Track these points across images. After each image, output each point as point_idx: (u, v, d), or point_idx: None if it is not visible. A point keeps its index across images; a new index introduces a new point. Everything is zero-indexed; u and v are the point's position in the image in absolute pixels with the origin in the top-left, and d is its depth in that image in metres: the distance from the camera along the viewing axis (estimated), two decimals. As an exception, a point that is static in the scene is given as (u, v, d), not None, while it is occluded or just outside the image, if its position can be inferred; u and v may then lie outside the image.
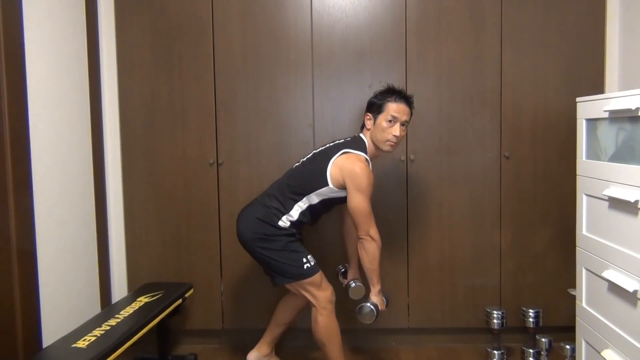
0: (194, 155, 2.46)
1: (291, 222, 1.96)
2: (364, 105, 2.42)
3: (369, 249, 1.91)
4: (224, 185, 2.47)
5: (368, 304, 1.98)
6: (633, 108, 1.58)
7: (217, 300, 2.51)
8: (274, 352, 2.29)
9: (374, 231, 1.90)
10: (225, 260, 2.50)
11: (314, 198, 1.96)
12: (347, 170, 1.88)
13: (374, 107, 1.99)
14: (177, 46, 2.43)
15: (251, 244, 1.95)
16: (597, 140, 1.85)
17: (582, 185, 1.92)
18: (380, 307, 2.00)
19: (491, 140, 2.43)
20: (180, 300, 2.26)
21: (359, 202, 1.87)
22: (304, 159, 2.06)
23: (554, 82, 2.41)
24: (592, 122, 1.88)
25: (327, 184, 1.92)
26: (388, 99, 1.97)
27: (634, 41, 2.29)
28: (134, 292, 2.29)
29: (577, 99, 1.96)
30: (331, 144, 2.03)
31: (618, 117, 1.70)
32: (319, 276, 1.95)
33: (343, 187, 1.91)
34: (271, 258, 1.93)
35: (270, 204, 1.96)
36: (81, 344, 1.71)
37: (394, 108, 1.95)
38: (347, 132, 2.44)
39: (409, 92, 2.43)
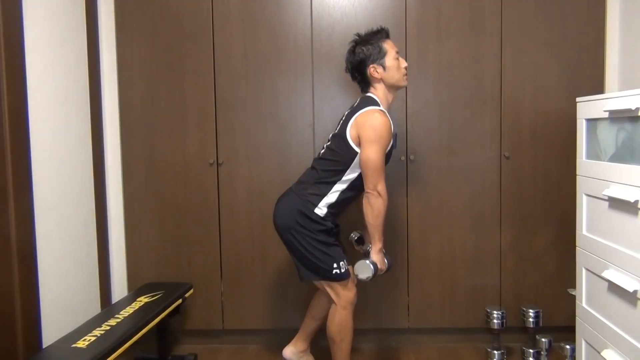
0: (194, 155, 2.47)
1: (329, 205, 1.90)
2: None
3: (375, 204, 1.85)
4: (224, 185, 2.47)
5: (367, 262, 1.90)
6: (633, 108, 1.58)
7: (217, 300, 2.51)
8: (309, 350, 2.26)
9: (382, 187, 1.84)
10: (225, 260, 2.50)
11: (352, 173, 1.90)
12: (361, 123, 1.84)
13: (373, 55, 1.90)
14: (177, 46, 2.43)
15: (287, 233, 1.92)
16: (597, 140, 1.85)
17: (582, 185, 1.92)
18: (379, 267, 1.93)
19: (491, 140, 2.43)
20: (180, 300, 2.26)
21: (372, 153, 1.81)
22: (326, 143, 2.00)
23: (554, 82, 2.41)
24: (592, 122, 1.88)
25: (356, 152, 1.86)
26: (381, 40, 1.93)
27: (634, 41, 2.29)
28: (134, 292, 2.29)
29: (577, 99, 1.96)
30: (343, 117, 1.98)
31: (618, 117, 1.70)
32: (346, 281, 1.93)
33: None
34: (302, 253, 1.90)
35: (306, 192, 1.92)
36: (81, 344, 1.71)
37: (390, 44, 1.94)
38: (347, 132, 2.44)
39: (408, 90, 2.43)
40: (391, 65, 1.92)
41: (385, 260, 1.99)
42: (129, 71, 2.45)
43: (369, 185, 1.85)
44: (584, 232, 1.92)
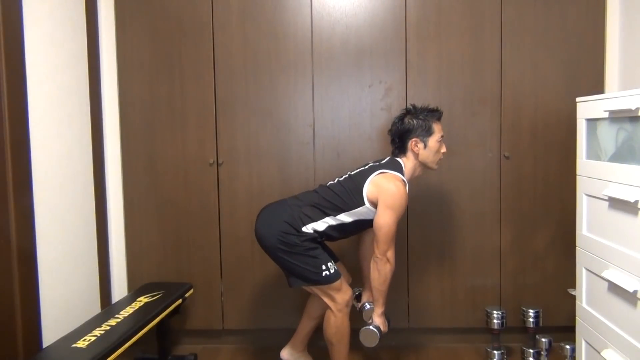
0: (194, 155, 2.46)
1: (315, 231, 1.92)
2: (364, 105, 2.43)
3: (383, 269, 1.89)
4: (224, 185, 2.47)
5: (371, 327, 1.95)
6: (633, 108, 1.58)
7: (217, 300, 2.51)
8: (306, 350, 2.26)
9: (391, 253, 1.88)
10: (225, 260, 2.50)
11: (348, 218, 1.93)
12: (384, 187, 1.87)
13: (420, 130, 1.95)
14: (177, 46, 2.43)
15: (270, 244, 1.92)
16: (597, 140, 1.85)
17: (582, 185, 1.92)
18: (382, 329, 1.98)
19: (491, 140, 2.43)
20: (180, 300, 2.26)
21: (387, 220, 1.84)
22: (340, 178, 2.02)
23: (554, 82, 2.41)
24: (592, 122, 1.88)
25: (363, 203, 1.90)
26: (433, 120, 1.97)
27: (634, 41, 2.29)
28: (134, 292, 2.29)
29: (577, 99, 1.96)
30: (367, 166, 2.01)
31: (618, 117, 1.70)
32: (338, 282, 1.93)
33: None
34: (288, 261, 1.90)
35: (300, 209, 1.93)
36: (81, 344, 1.71)
37: (439, 127, 1.98)
38: (347, 132, 2.44)
39: (408, 90, 2.44)
40: (433, 146, 1.97)
41: (386, 321, 2.04)
42: (129, 71, 2.45)
43: (379, 249, 1.87)
44: (584, 232, 1.92)
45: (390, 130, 2.06)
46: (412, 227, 2.47)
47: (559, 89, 2.41)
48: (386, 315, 2.05)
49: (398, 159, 2.00)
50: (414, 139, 1.96)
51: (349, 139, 2.43)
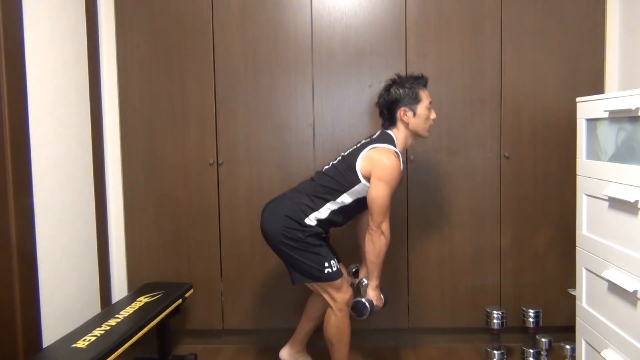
0: (194, 155, 2.46)
1: (318, 220, 1.91)
2: (365, 105, 2.43)
3: (377, 242, 1.88)
4: (224, 185, 2.47)
5: (362, 299, 1.94)
6: (633, 108, 1.58)
7: (217, 300, 2.51)
8: (305, 350, 2.26)
9: (386, 226, 1.87)
10: (225, 260, 2.50)
11: (348, 198, 1.92)
12: (376, 160, 1.86)
13: (408, 98, 1.93)
14: (177, 46, 2.43)
15: (274, 239, 1.92)
16: (597, 140, 1.85)
17: (582, 185, 1.92)
18: (375, 303, 1.97)
19: (491, 140, 2.43)
20: (180, 300, 2.26)
21: (380, 192, 1.83)
22: (334, 162, 2.02)
23: (554, 82, 2.41)
24: (592, 122, 1.88)
25: (359, 181, 1.89)
26: (419, 87, 1.95)
27: (634, 41, 2.29)
28: (134, 292, 2.29)
29: (577, 99, 1.96)
30: (358, 144, 2.00)
31: (618, 117, 1.70)
32: (339, 281, 1.93)
33: None
34: (292, 256, 1.90)
35: (300, 200, 1.93)
36: (81, 344, 1.71)
37: (427, 94, 1.96)
38: (347, 132, 2.44)
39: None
40: (422, 113, 1.95)
41: (382, 297, 2.02)
42: (129, 71, 2.45)
43: (374, 222, 1.87)
44: (584, 232, 1.92)
45: (377, 103, 2.03)
46: (412, 226, 2.47)
47: (559, 89, 2.41)
48: (384, 290, 2.04)
49: (389, 131, 1.98)
50: (402, 109, 1.94)
51: (349, 139, 2.43)
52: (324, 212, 1.92)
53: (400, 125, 1.97)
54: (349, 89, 2.43)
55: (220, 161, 2.46)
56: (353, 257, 2.24)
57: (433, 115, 1.99)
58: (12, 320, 1.79)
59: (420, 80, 1.97)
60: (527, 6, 2.38)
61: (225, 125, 2.45)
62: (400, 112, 1.94)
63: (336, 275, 1.91)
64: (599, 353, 1.78)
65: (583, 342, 1.93)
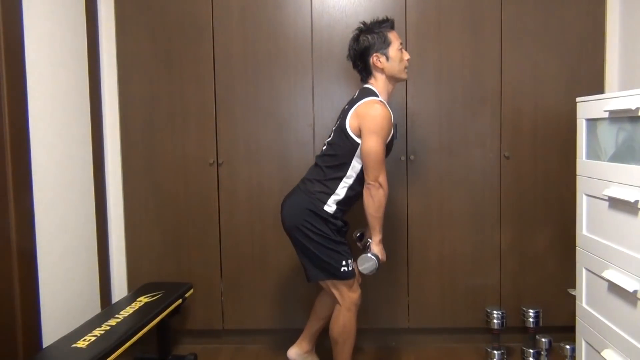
0: (194, 155, 2.46)
1: (337, 202, 1.89)
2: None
3: (376, 195, 1.85)
4: (224, 185, 2.47)
5: (369, 254, 1.90)
6: (633, 108, 1.58)
7: (217, 300, 2.51)
8: (314, 350, 2.25)
9: (383, 178, 1.84)
10: (225, 260, 2.50)
11: (357, 165, 1.88)
12: (362, 114, 1.83)
13: (377, 44, 1.89)
14: (177, 46, 2.43)
15: (297, 233, 1.90)
16: (597, 140, 1.85)
17: (582, 185, 1.92)
18: (381, 258, 1.93)
19: (491, 140, 2.43)
20: (180, 300, 2.26)
21: (373, 144, 1.80)
22: (327, 139, 1.99)
23: (554, 82, 2.41)
24: (592, 122, 1.89)
25: (357, 143, 1.85)
26: (387, 30, 1.92)
27: (634, 41, 2.29)
28: (134, 292, 2.29)
29: (577, 99, 1.96)
30: (342, 111, 1.97)
31: (618, 117, 1.70)
32: (352, 280, 1.93)
33: None
34: (314, 253, 1.89)
35: (314, 189, 1.91)
36: (81, 344, 1.71)
37: (395, 35, 1.93)
38: (347, 132, 2.44)
39: (408, 90, 2.43)
40: (394, 56, 1.91)
41: (384, 251, 1.97)
42: (129, 71, 2.45)
43: (370, 176, 1.84)
44: (584, 232, 1.92)
45: (348, 55, 2.00)
46: (412, 227, 2.47)
47: (559, 89, 2.41)
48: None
49: (367, 85, 1.95)
50: (374, 55, 1.90)
51: (349, 139, 2.43)
52: (340, 192, 1.90)
53: (376, 74, 1.94)
54: (349, 89, 2.42)
55: (220, 161, 2.46)
56: (358, 222, 2.20)
57: (407, 56, 1.95)
58: (12, 320, 1.79)
59: (386, 23, 1.94)
60: (527, 6, 2.38)
61: (225, 125, 2.45)
62: (373, 59, 1.91)
63: (351, 275, 1.91)
64: (599, 353, 1.78)
65: (583, 342, 1.93)
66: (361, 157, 1.85)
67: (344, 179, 1.91)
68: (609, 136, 1.77)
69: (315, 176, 1.95)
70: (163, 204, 2.49)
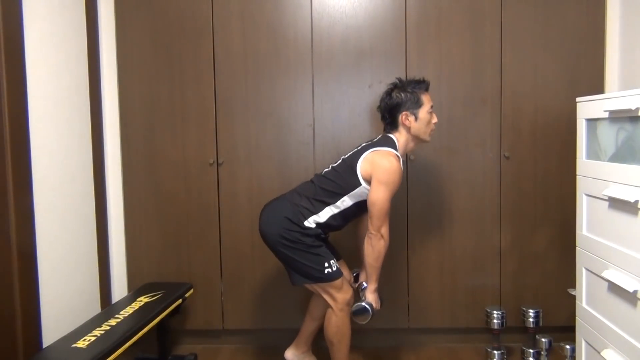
0: (194, 155, 2.47)
1: (317, 223, 1.91)
2: (365, 105, 2.43)
3: (377, 245, 1.88)
4: (224, 185, 2.47)
5: (363, 304, 1.95)
6: (633, 108, 1.58)
7: (217, 300, 2.51)
8: (310, 350, 2.26)
9: (385, 229, 1.88)
10: (225, 260, 2.50)
11: (348, 201, 1.92)
12: (377, 163, 1.86)
13: (409, 103, 1.93)
14: (177, 46, 2.43)
15: (273, 240, 1.92)
16: (597, 140, 1.85)
17: (582, 185, 1.92)
18: (374, 306, 1.98)
19: (491, 140, 2.43)
20: (180, 300, 2.26)
21: (381, 195, 1.83)
22: (334, 164, 2.02)
23: (554, 82, 2.41)
24: (592, 122, 1.89)
25: (359, 184, 1.89)
26: (421, 91, 1.95)
27: (634, 41, 2.29)
28: (134, 292, 2.29)
29: (577, 99, 1.96)
30: (359, 147, 2.00)
31: (618, 117, 1.70)
32: (340, 280, 1.93)
33: None
34: (291, 257, 1.90)
35: (300, 203, 1.92)
36: (81, 344, 1.71)
37: (428, 98, 1.97)
38: (347, 132, 2.44)
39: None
40: (423, 117, 1.95)
41: (379, 299, 2.03)
42: (129, 71, 2.45)
43: (373, 225, 1.87)
44: (584, 232, 1.92)
45: (379, 107, 2.04)
46: (412, 227, 2.47)
47: (559, 89, 2.41)
48: (380, 294, 2.04)
49: (390, 135, 1.98)
50: (404, 113, 1.94)
51: (349, 139, 2.43)
52: (323, 215, 1.92)
53: (402, 129, 1.97)
54: (349, 89, 2.43)
55: (220, 161, 2.46)
56: (353, 260, 2.24)
57: (434, 120, 1.99)
58: (12, 320, 1.79)
59: (422, 85, 1.97)
60: (527, 6, 2.38)
61: (225, 125, 2.45)
62: (402, 117, 1.95)
63: (336, 274, 1.91)
64: (599, 353, 1.78)
65: (583, 342, 1.93)
66: (367, 205, 1.88)
67: (331, 206, 1.93)
68: (609, 136, 1.77)
69: (306, 192, 1.97)
70: (163, 204, 2.49)
